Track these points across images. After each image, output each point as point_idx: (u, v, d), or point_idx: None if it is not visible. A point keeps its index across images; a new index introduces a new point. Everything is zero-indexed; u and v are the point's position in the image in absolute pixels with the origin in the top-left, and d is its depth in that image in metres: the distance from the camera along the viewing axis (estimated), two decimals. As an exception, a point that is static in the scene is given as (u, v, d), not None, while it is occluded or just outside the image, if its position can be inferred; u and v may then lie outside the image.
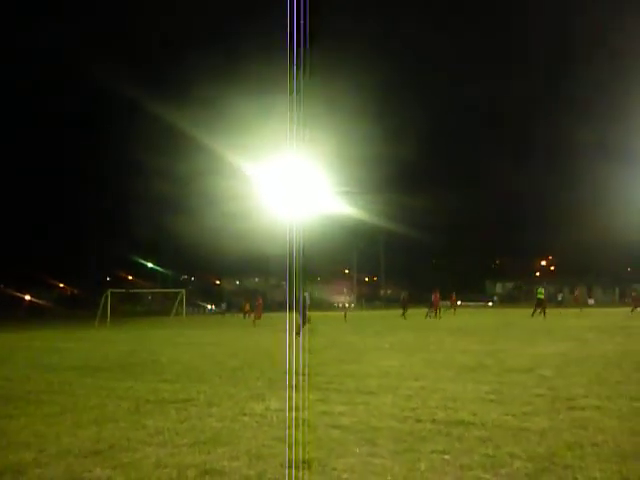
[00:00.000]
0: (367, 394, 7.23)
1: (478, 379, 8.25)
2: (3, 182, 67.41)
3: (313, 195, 39.27)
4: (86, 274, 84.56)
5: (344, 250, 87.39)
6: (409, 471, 4.15)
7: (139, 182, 75.54)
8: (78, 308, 67.76)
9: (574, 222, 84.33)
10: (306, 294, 21.26)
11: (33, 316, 61.21)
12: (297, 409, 6.29)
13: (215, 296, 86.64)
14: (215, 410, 6.48)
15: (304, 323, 19.57)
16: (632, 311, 35.26)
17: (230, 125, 63.51)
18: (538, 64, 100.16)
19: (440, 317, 32.69)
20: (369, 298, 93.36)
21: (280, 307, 41.34)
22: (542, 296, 31.65)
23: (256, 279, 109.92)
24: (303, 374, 8.96)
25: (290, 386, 7.83)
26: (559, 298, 55.66)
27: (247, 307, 45.90)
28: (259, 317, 33.24)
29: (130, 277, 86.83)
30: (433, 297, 34.85)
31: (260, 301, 35.97)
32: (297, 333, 18.67)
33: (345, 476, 4.09)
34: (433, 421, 5.64)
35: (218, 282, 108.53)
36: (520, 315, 36.00)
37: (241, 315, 47.17)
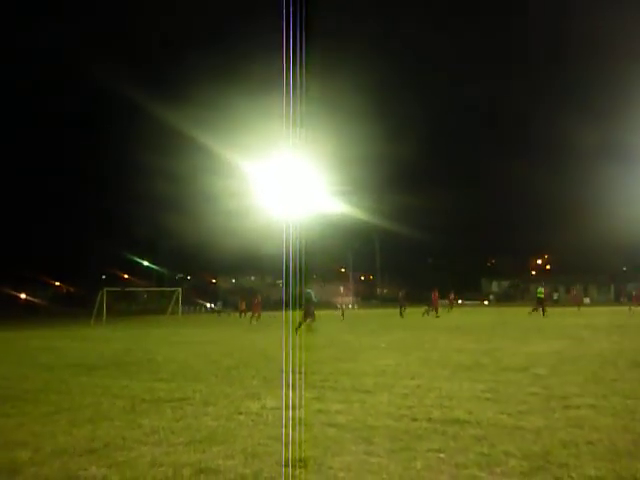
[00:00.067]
0: (363, 392, 7.23)
1: (474, 378, 8.26)
2: (0, 181, 67.34)
3: (310, 194, 39.30)
4: (81, 272, 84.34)
5: (340, 249, 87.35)
6: (405, 470, 4.16)
7: (136, 181, 75.47)
8: (74, 306, 67.53)
9: (570, 221, 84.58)
10: (310, 291, 21.30)
11: (29, 314, 61.07)
12: (293, 407, 6.30)
13: (211, 294, 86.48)
14: (211, 409, 6.48)
15: (307, 318, 19.62)
16: (630, 309, 35.21)
17: (227, 124, 63.41)
18: (538, 64, 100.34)
19: (438, 316, 32.72)
20: (365, 297, 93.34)
21: (276, 306, 41.28)
22: (542, 295, 31.74)
23: (252, 278, 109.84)
24: (299, 372, 8.98)
25: (286, 385, 7.83)
26: (555, 297, 55.81)
27: (243, 306, 45.84)
28: (259, 315, 33.13)
29: (126, 275, 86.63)
30: (432, 296, 34.90)
31: (259, 299, 35.81)
32: (297, 327, 18.81)
33: (341, 475, 4.09)
34: (429, 420, 5.65)
35: (214, 280, 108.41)
36: (516, 314, 36.07)
37: (237, 314, 47.13)
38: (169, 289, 59.59)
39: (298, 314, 20.89)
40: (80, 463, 4.50)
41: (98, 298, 42.99)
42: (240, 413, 6.20)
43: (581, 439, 4.80)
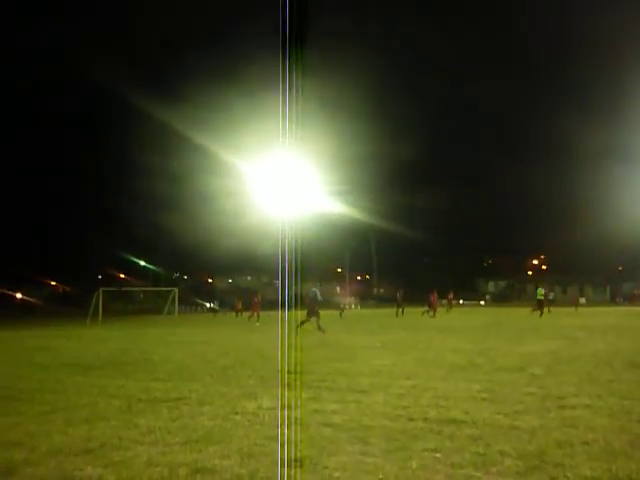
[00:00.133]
0: (359, 392, 7.24)
1: (469, 378, 8.28)
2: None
3: (306, 194, 39.29)
4: (77, 272, 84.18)
5: (337, 248, 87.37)
6: (401, 469, 4.17)
7: (132, 180, 75.36)
8: (69, 306, 67.40)
9: (566, 222, 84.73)
10: (316, 290, 21.30)
11: (24, 314, 60.92)
12: (289, 407, 6.30)
13: (207, 294, 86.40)
14: (207, 409, 6.48)
15: (310, 317, 19.62)
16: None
17: (224, 124, 63.37)
18: (538, 64, 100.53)
19: (434, 316, 32.74)
20: (362, 297, 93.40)
21: (273, 305, 41.30)
22: (542, 297, 31.69)
23: (248, 277, 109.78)
24: (295, 372, 8.98)
25: (282, 384, 7.84)
26: (551, 297, 55.88)
27: (239, 305, 45.80)
28: (258, 315, 32.97)
29: (122, 275, 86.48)
30: (431, 297, 34.89)
31: (259, 299, 35.59)
32: (299, 325, 18.88)
33: (337, 474, 4.10)
34: (425, 419, 5.66)
35: (210, 280, 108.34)
36: (512, 314, 36.16)
37: (233, 313, 47.11)
38: (165, 289, 59.57)
39: (296, 313, 20.91)
40: (76, 463, 4.49)
41: (94, 298, 42.92)
42: (236, 413, 6.20)
43: (576, 439, 4.82)
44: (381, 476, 4.05)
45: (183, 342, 17.62)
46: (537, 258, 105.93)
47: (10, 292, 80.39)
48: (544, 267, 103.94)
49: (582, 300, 57.61)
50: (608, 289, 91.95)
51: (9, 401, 7.30)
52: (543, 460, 4.29)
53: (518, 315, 33.68)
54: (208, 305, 62.40)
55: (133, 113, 77.44)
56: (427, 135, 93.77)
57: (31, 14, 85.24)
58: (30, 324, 36.09)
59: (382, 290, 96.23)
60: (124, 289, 67.62)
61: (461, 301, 78.19)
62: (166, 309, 50.37)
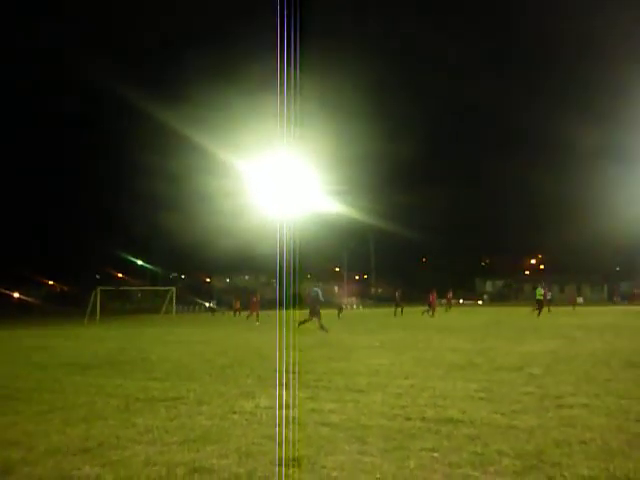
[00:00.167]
0: (357, 392, 7.24)
1: (467, 377, 8.29)
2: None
3: (305, 193, 39.29)
4: (75, 271, 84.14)
5: (335, 248, 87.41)
6: (398, 469, 4.17)
7: (130, 180, 75.41)
8: (67, 305, 67.35)
9: (563, 221, 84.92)
10: (318, 289, 21.34)
11: (22, 313, 60.84)
12: (287, 407, 6.30)
13: (205, 294, 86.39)
14: (205, 408, 6.48)
15: (312, 317, 19.70)
16: None
17: (222, 123, 63.38)
18: (538, 64, 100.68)
19: (432, 316, 32.75)
20: (360, 296, 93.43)
21: (270, 304, 41.26)
22: (541, 296, 31.47)
23: (246, 277, 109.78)
24: (293, 372, 8.98)
25: (280, 384, 7.84)
26: (548, 297, 55.90)
27: (237, 305, 45.78)
28: (257, 314, 32.91)
29: (120, 274, 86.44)
30: (430, 297, 34.89)
31: (258, 298, 35.48)
32: (301, 323, 19.02)
33: (334, 474, 4.10)
34: (422, 419, 5.66)
35: (208, 280, 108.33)
36: (510, 313, 36.19)
37: (231, 313, 47.10)
38: (163, 288, 59.50)
39: (294, 312, 20.95)
40: (74, 462, 4.49)
41: (92, 297, 42.89)
42: (234, 412, 6.20)
43: (574, 438, 4.82)
44: (379, 475, 4.05)
45: (181, 341, 17.60)
46: (534, 258, 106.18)
47: (8, 291, 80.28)
48: (541, 267, 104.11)
49: (580, 299, 57.68)
50: (605, 288, 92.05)
51: (7, 400, 7.29)
52: (541, 459, 4.29)
53: (516, 314, 33.71)
54: (207, 304, 62.45)
55: (131, 113, 77.51)
56: (425, 135, 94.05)
57: (31, 14, 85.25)
58: (28, 323, 36.04)
59: (380, 290, 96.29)
60: (122, 288, 67.58)
61: (461, 300, 78.34)
62: (164, 308, 50.33)
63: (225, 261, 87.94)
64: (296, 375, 8.67)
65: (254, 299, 34.85)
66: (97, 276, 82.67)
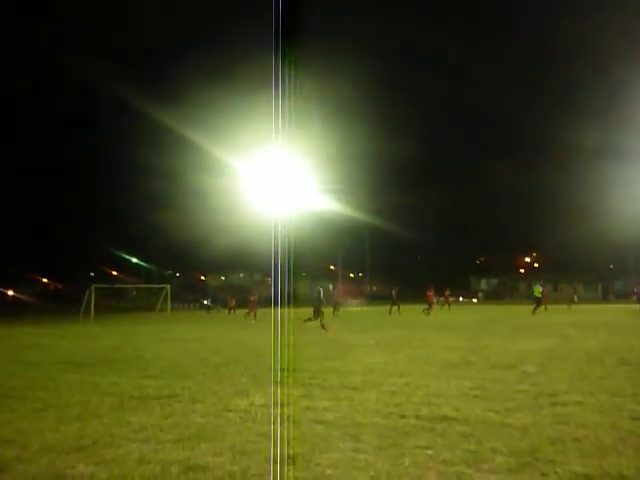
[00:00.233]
0: (351, 390, 7.25)
1: (462, 375, 8.30)
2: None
3: (300, 191, 39.27)
4: (70, 269, 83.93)
5: (330, 247, 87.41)
6: (392, 466, 4.18)
7: (126, 178, 75.32)
8: (62, 303, 67.20)
9: (558, 220, 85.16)
10: (320, 289, 21.45)
11: (16, 311, 60.68)
12: (281, 405, 6.31)
13: (200, 291, 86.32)
14: (199, 406, 6.48)
15: (317, 316, 19.89)
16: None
17: (217, 121, 63.23)
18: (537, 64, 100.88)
19: (428, 314, 32.79)
20: (354, 295, 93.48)
21: (265, 303, 41.24)
22: (539, 294, 31.37)
23: (241, 275, 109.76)
24: (288, 370, 8.98)
25: (274, 382, 7.85)
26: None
27: (233, 303, 45.75)
28: (255, 313, 32.84)
29: (114, 272, 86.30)
30: (428, 294, 34.90)
31: (255, 297, 35.37)
32: (306, 320, 19.59)
33: (329, 471, 4.10)
34: (417, 417, 5.67)
35: (203, 277, 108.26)
36: (504, 312, 36.26)
37: (226, 311, 47.06)
38: (158, 286, 59.43)
39: (289, 311, 21.03)
40: (68, 461, 4.49)
41: (86, 295, 42.81)
42: (229, 410, 6.20)
43: (568, 436, 4.84)
44: (373, 473, 4.06)
45: (176, 339, 17.59)
46: (529, 256, 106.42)
47: (2, 289, 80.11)
48: (536, 265, 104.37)
49: (574, 297, 57.66)
50: (600, 287, 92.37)
51: (1, 398, 7.27)
52: (535, 457, 4.31)
53: (511, 313, 33.79)
54: (205, 302, 62.50)
55: (127, 111, 77.51)
56: (421, 135, 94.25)
57: (31, 14, 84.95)
58: (22, 321, 35.93)
59: (375, 288, 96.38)
60: (116, 286, 67.53)
61: (461, 298, 78.54)
62: (159, 306, 50.27)
63: (220, 259, 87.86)
64: (291, 373, 8.68)
65: (252, 298, 34.77)
66: (92, 274, 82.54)
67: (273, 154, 31.76)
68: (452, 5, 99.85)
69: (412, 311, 34.30)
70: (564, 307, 41.03)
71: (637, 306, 35.14)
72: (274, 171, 33.60)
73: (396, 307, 34.66)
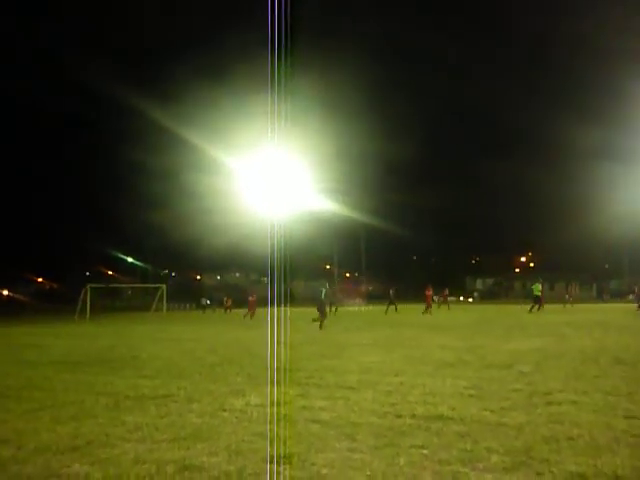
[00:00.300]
0: (347, 389, 7.25)
1: (457, 374, 8.32)
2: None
3: (296, 191, 39.27)
4: (65, 269, 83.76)
5: (326, 246, 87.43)
6: (388, 466, 4.18)
7: (122, 178, 75.17)
8: (57, 303, 67.06)
9: (553, 220, 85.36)
10: (322, 289, 21.50)
11: (11, 311, 60.52)
12: (277, 404, 6.31)
13: (196, 291, 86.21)
14: (195, 406, 6.47)
15: (322, 316, 20.07)
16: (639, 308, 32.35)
17: (213, 121, 63.31)
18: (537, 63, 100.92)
19: (425, 313, 32.82)
20: (350, 294, 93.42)
21: (261, 302, 41.25)
22: (539, 292, 30.62)
23: (237, 274, 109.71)
24: (283, 369, 8.98)
25: (270, 381, 7.84)
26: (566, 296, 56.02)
27: (229, 302, 45.76)
28: (253, 313, 32.79)
29: (110, 272, 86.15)
30: (426, 294, 34.90)
31: (254, 297, 35.30)
32: (314, 320, 20.13)
33: (325, 471, 4.11)
34: (412, 416, 5.68)
35: (199, 277, 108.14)
36: (500, 311, 36.31)
37: (222, 310, 47.04)
38: (153, 286, 59.37)
39: (285, 310, 21.11)
40: (63, 460, 4.48)
41: (82, 294, 42.76)
42: (224, 410, 6.19)
43: (562, 435, 4.86)
44: (369, 472, 4.07)
45: (171, 339, 17.57)
46: (525, 256, 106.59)
47: (-4, 289, 79.95)
48: (531, 265, 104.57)
49: (567, 297, 57.76)
50: (595, 286, 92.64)
51: (-4, 398, 7.25)
52: (529, 456, 4.32)
53: (507, 312, 33.84)
54: (205, 302, 62.48)
55: (123, 111, 77.36)
56: (417, 135, 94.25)
57: (31, 14, 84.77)
58: (17, 321, 35.86)
59: (370, 287, 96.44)
60: (112, 286, 67.41)
61: (462, 298, 78.64)
62: (154, 306, 50.23)
63: (216, 259, 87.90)
64: (287, 372, 8.67)
65: (251, 298, 34.73)
66: (87, 273, 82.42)
67: (269, 154, 31.76)
68: (452, 5, 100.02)
69: (409, 311, 34.34)
70: (560, 306, 41.12)
71: (634, 305, 34.97)
72: (270, 171, 33.60)
73: (393, 307, 34.69)
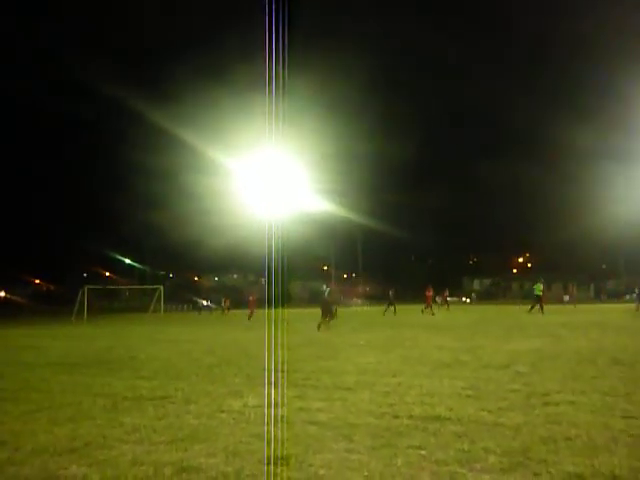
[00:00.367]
0: (344, 390, 7.25)
1: (454, 375, 8.32)
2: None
3: (293, 192, 39.29)
4: (62, 270, 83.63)
5: (324, 247, 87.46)
6: (386, 466, 4.18)
7: (120, 178, 75.12)
8: (54, 304, 66.97)
9: (551, 220, 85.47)
10: (327, 289, 21.59)
11: (8, 313, 60.40)
12: (275, 405, 6.30)
13: (194, 292, 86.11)
14: (192, 407, 6.47)
15: (326, 316, 20.15)
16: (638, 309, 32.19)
17: (211, 122, 63.27)
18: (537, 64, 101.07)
19: (424, 312, 32.83)
20: (348, 295, 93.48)
21: (259, 303, 41.25)
22: (540, 292, 30.14)
23: (235, 275, 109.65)
24: (281, 371, 8.98)
25: (268, 383, 7.84)
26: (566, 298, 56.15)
27: (227, 303, 45.75)
28: (251, 313, 32.79)
29: (107, 273, 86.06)
30: (427, 294, 34.88)
31: (254, 298, 35.27)
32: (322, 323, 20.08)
33: (322, 472, 4.11)
34: (410, 417, 5.68)
35: (197, 278, 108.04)
36: (497, 312, 36.34)
37: (220, 311, 47.02)
38: (151, 287, 59.30)
39: (282, 311, 21.17)
40: (60, 462, 4.47)
41: (79, 296, 42.69)
42: (222, 411, 6.19)
43: (560, 435, 4.86)
44: (366, 473, 4.07)
45: (169, 340, 17.55)
46: (522, 256, 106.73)
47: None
48: (529, 265, 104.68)
49: (566, 298, 57.82)
50: (592, 287, 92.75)
51: (-7, 400, 7.24)
52: (527, 456, 4.32)
53: (504, 313, 33.87)
54: (205, 303, 62.25)
55: (122, 112, 77.32)
56: (415, 135, 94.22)
57: (31, 14, 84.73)
58: (14, 322, 35.79)
59: (368, 288, 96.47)
60: (109, 287, 67.33)
61: (464, 298, 78.68)
62: (152, 307, 50.19)
63: (214, 260, 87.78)
64: (284, 374, 8.67)
65: (250, 298, 34.73)
66: (84, 274, 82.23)
67: (268, 154, 31.77)
68: (452, 5, 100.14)
69: (407, 311, 34.33)
70: (558, 307, 41.08)
71: (633, 305, 34.80)
72: (268, 171, 33.61)
73: (392, 307, 34.69)
